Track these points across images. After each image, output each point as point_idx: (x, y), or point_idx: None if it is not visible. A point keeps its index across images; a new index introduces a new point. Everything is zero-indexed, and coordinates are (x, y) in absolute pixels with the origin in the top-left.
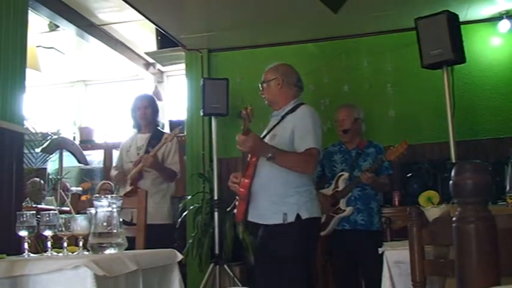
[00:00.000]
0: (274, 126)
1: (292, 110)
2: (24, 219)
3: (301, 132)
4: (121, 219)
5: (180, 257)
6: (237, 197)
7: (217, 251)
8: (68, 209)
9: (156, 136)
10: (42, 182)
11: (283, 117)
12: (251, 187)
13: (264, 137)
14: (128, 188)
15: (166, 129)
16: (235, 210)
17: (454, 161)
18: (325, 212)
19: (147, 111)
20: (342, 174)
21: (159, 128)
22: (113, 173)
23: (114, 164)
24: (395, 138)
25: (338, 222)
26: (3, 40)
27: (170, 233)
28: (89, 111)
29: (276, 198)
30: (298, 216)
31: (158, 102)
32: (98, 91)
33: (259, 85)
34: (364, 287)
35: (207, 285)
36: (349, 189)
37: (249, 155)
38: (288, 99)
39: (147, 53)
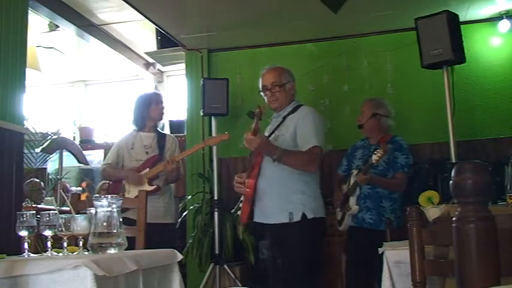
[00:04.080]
0: (277, 127)
1: (293, 111)
2: (24, 219)
3: (304, 131)
4: (121, 219)
5: (180, 257)
6: (241, 199)
7: (217, 251)
8: (68, 209)
9: (161, 136)
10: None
11: (284, 118)
12: (256, 187)
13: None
14: (149, 187)
15: (167, 130)
16: (239, 212)
17: (454, 161)
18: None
19: (163, 108)
20: (353, 172)
21: (158, 128)
22: (108, 169)
23: (106, 161)
24: None
25: (349, 219)
26: (3, 40)
27: (175, 231)
28: (89, 111)
29: (281, 197)
30: (303, 215)
31: None
32: (98, 91)
33: (269, 87)
34: (372, 286)
35: (207, 285)
36: (353, 187)
37: (254, 156)
38: (291, 101)
39: (147, 53)
